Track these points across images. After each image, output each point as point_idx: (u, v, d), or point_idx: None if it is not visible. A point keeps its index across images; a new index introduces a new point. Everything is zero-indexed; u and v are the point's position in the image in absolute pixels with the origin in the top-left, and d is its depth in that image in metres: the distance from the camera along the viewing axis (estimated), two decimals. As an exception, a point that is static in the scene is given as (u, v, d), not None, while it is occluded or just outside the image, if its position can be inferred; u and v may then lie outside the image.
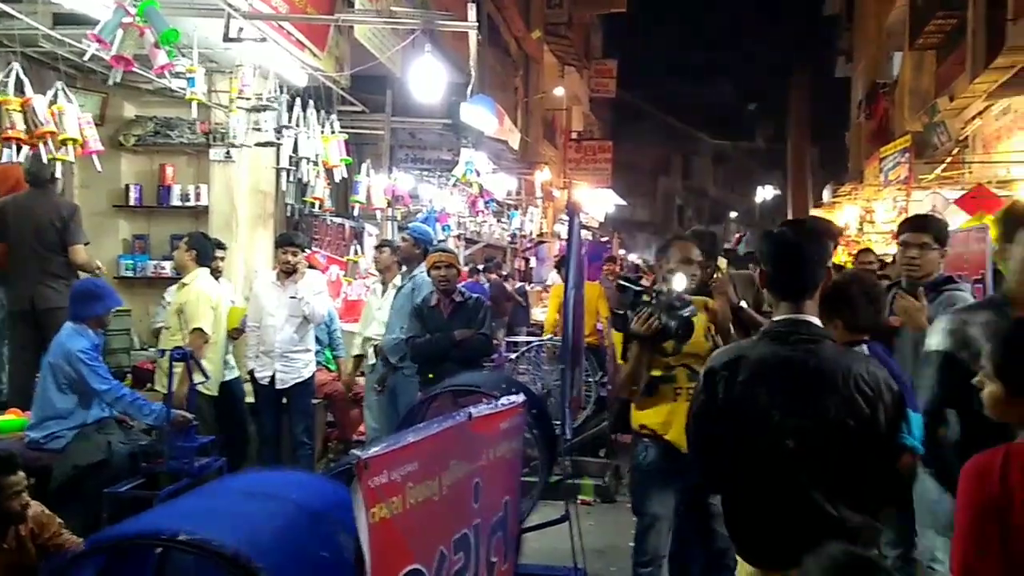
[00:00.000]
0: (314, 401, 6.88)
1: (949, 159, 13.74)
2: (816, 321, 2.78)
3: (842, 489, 2.63)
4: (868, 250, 8.05)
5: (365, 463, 1.65)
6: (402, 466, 1.77)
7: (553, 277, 15.57)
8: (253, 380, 6.60)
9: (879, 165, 15.62)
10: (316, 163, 7.64)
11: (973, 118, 13.53)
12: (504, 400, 2.40)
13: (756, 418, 2.66)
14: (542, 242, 20.55)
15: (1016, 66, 10.22)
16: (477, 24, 7.63)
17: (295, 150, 7.51)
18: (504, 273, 15.07)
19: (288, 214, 8.42)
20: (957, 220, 9.54)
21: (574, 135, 27.50)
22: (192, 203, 7.90)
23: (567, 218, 5.43)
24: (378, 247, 7.70)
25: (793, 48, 42.82)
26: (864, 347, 3.25)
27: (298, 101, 7.67)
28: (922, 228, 4.15)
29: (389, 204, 9.32)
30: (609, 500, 7.21)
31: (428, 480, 1.88)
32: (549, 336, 8.42)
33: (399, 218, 10.02)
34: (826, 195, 25.94)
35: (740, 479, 2.74)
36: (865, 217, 16.96)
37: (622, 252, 27.06)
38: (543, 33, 23.19)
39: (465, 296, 6.11)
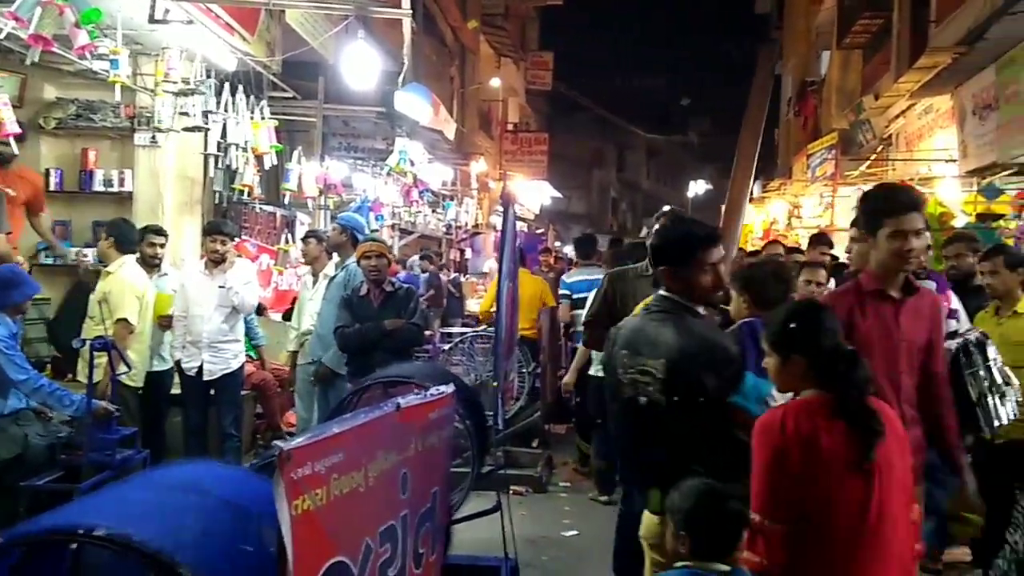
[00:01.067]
0: (243, 392, 6.76)
1: (874, 156, 14.12)
2: (676, 297, 3.17)
3: (688, 443, 2.97)
4: (776, 242, 8.34)
5: (287, 455, 1.61)
6: (326, 457, 1.74)
7: (492, 266, 15.57)
8: (180, 371, 6.45)
9: (807, 161, 15.98)
10: (245, 149, 7.49)
11: (897, 116, 13.92)
12: (433, 390, 2.38)
13: (621, 376, 3.11)
14: (477, 233, 20.52)
15: (938, 66, 10.53)
16: (411, 12, 7.57)
17: (223, 136, 7.35)
18: (440, 264, 15.03)
19: (217, 201, 8.24)
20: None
21: (510, 126, 27.47)
22: (116, 189, 7.66)
23: (502, 209, 5.43)
24: (304, 238, 7.59)
25: (725, 45, 43.54)
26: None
27: (227, 86, 7.51)
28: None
29: (321, 193, 9.19)
30: (542, 490, 7.26)
31: (354, 471, 1.85)
32: (484, 327, 8.41)
33: (331, 207, 9.88)
34: (756, 190, 26.45)
35: (618, 430, 3.20)
36: (793, 212, 17.35)
37: (557, 244, 27.20)
38: (479, 24, 23.11)
39: (396, 286, 6.06)
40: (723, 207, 6.26)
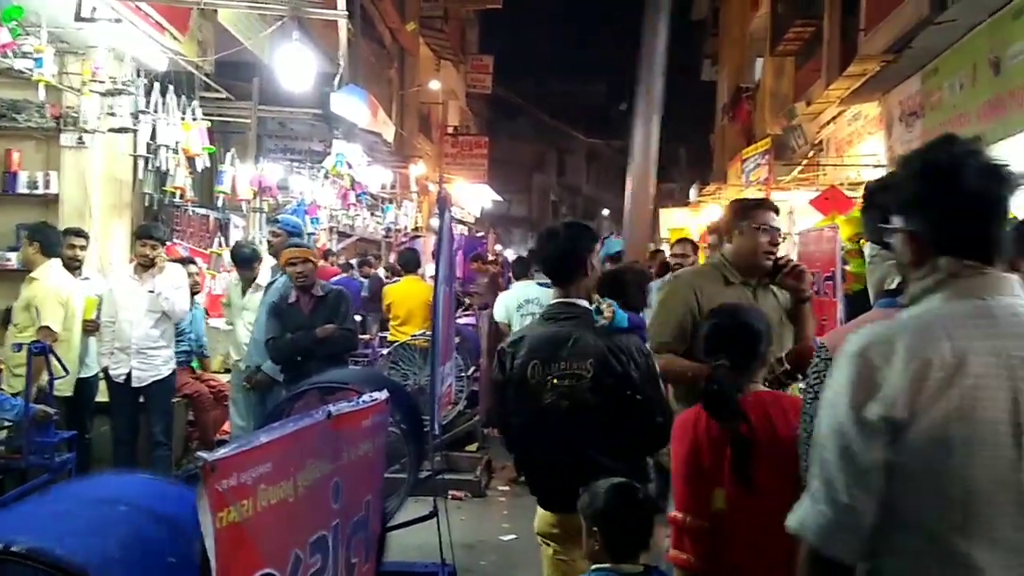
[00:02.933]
0: (174, 400, 6.60)
1: (805, 161, 14.43)
2: (581, 302, 3.29)
3: (606, 441, 3.14)
4: (685, 240, 8.47)
5: (212, 465, 1.57)
6: (253, 468, 1.70)
7: (432, 269, 15.48)
8: (107, 378, 6.27)
9: (741, 166, 16.25)
10: (176, 151, 7.32)
11: (828, 123, 14.26)
12: (367, 397, 2.35)
13: (535, 385, 3.19)
14: (417, 236, 20.41)
15: (867, 74, 10.82)
16: (348, 13, 7.49)
17: (153, 137, 7.18)
18: (383, 268, 14.91)
19: (147, 204, 8.04)
20: (813, 220, 10.04)
21: (450, 130, 27.44)
22: (41, 191, 7.41)
23: (436, 207, 5.39)
24: (235, 252, 7.45)
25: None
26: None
27: (157, 86, 7.33)
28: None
29: (256, 195, 9.03)
30: (480, 495, 7.24)
31: (282, 481, 1.82)
32: (423, 331, 8.34)
33: (267, 210, 9.73)
34: (692, 194, 26.83)
35: (527, 439, 3.31)
36: (728, 216, 17.58)
37: (498, 247, 27.22)
38: (418, 26, 23.02)
39: (325, 290, 5.95)
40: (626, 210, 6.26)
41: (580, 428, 3.13)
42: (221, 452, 1.62)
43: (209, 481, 1.57)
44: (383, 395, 2.43)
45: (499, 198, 31.13)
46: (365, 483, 2.35)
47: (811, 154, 14.65)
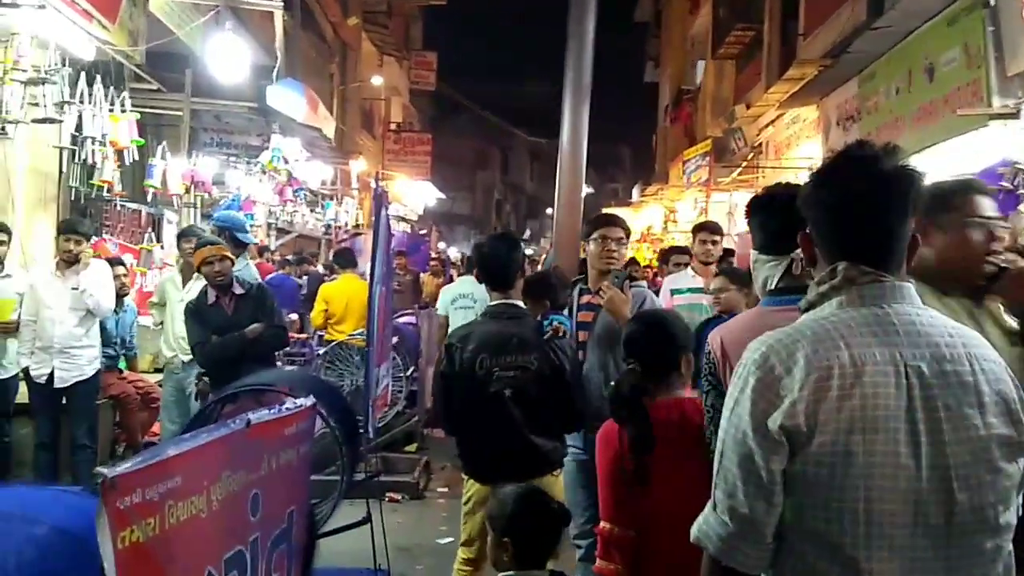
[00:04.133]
0: (99, 401, 6.35)
1: (745, 164, 14.60)
2: (520, 303, 3.89)
3: (540, 424, 3.70)
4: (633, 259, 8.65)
5: (111, 482, 1.45)
6: (160, 483, 1.58)
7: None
8: (28, 379, 6.00)
9: (683, 167, 16.40)
10: (104, 144, 7.06)
11: (767, 125, 14.44)
12: (290, 404, 2.23)
13: (482, 376, 3.68)
14: (358, 234, 20.17)
15: (805, 78, 10.96)
16: (283, 4, 7.31)
17: (79, 129, 6.91)
18: (322, 265, 14.68)
19: (73, 198, 7.74)
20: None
21: (393, 126, 27.18)
22: (-41, 183, 7.09)
23: (373, 203, 5.24)
24: (182, 235, 7.20)
25: (605, 51, 44.27)
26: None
27: (83, 76, 7.06)
28: (616, 224, 4.38)
29: (188, 190, 8.76)
30: (418, 496, 7.12)
31: (194, 496, 1.70)
32: (361, 331, 8.20)
33: (200, 205, 9.47)
34: (635, 194, 27.03)
35: (471, 422, 3.77)
36: (669, 216, 17.78)
37: (442, 245, 27.07)
38: (361, 21, 22.73)
39: (245, 287, 5.66)
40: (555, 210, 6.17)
41: (520, 413, 3.68)
42: (123, 467, 1.50)
43: (109, 499, 1.45)
44: (308, 401, 2.32)
45: (442, 195, 30.96)
46: (288, 493, 2.24)
47: (750, 156, 14.83)
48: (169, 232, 9.48)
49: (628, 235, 4.41)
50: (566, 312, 4.32)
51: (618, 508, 2.65)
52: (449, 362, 3.80)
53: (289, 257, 13.79)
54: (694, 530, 1.73)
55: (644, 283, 5.03)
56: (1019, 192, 5.83)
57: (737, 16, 16.37)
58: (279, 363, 6.58)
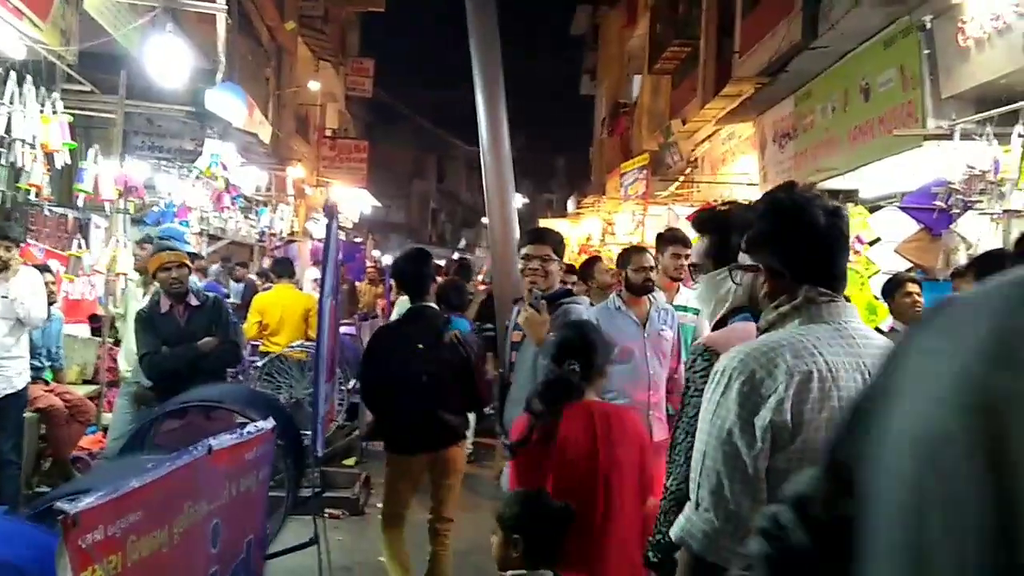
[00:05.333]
0: (25, 415, 6.07)
1: (682, 178, 14.80)
2: (433, 305, 4.87)
3: (449, 403, 4.58)
4: (597, 257, 8.57)
5: (73, 519, 1.36)
6: (122, 518, 1.49)
7: (310, 275, 15.04)
8: (-50, 392, 5.70)
9: (620, 180, 16.54)
10: (33, 146, 6.77)
11: (703, 141, 14.68)
12: (252, 427, 2.15)
13: (404, 366, 4.53)
14: (292, 241, 19.84)
15: (741, 95, 11.17)
16: (227, 7, 7.13)
17: (8, 130, 6.61)
18: (255, 273, 14.37)
19: (0, 202, 7.41)
20: (689, 236, 10.24)
21: (329, 132, 26.83)
22: None
23: (325, 219, 5.17)
24: (142, 243, 6.95)
25: (542, 64, 44.63)
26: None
27: (12, 75, 6.77)
28: (537, 240, 4.34)
29: (120, 195, 8.47)
30: (359, 512, 6.98)
31: (156, 531, 1.61)
32: (299, 343, 8.03)
33: (132, 211, 9.16)
34: (571, 205, 27.19)
35: (391, 404, 4.58)
36: (607, 229, 17.90)
37: (376, 253, 26.80)
38: (298, 25, 22.41)
39: (202, 298, 5.46)
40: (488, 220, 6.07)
41: (434, 394, 4.49)
42: (85, 502, 1.41)
43: (70, 537, 1.36)
44: (269, 424, 2.23)
45: (378, 203, 30.67)
46: (247, 520, 2.15)
47: (687, 171, 15.04)
48: (96, 238, 9.15)
49: (559, 249, 4.38)
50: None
51: (524, 472, 3.07)
52: (369, 351, 4.59)
53: (214, 265, 13.47)
54: (675, 531, 1.83)
55: (584, 299, 4.87)
56: (953, 212, 6.01)
57: (674, 32, 16.63)
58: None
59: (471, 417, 5.78)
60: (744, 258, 2.04)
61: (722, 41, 13.30)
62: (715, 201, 11.76)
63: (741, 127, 12.54)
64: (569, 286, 5.46)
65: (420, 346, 4.58)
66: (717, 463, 1.74)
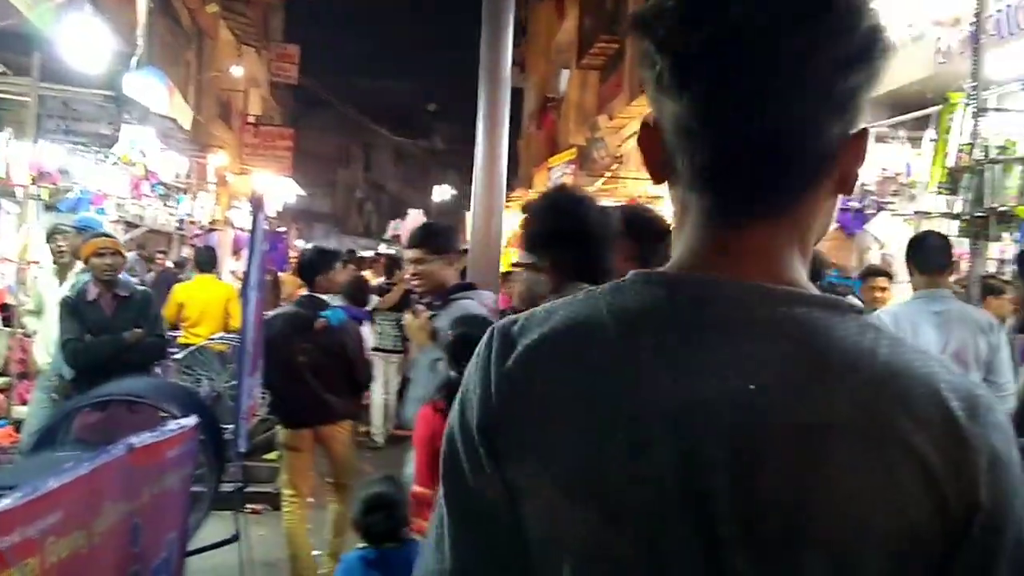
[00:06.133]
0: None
1: (608, 173, 14.98)
2: (322, 296, 5.33)
3: (331, 385, 5.12)
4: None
5: (-11, 522, 1.32)
6: (40, 519, 1.45)
7: (230, 265, 14.73)
8: None
9: (548, 174, 16.66)
10: (-61, 128, 6.48)
11: (629, 137, 14.87)
12: (174, 424, 2.11)
13: (287, 349, 5.00)
14: (213, 230, 19.40)
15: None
16: (148, -11, 6.92)
17: (-89, 111, 6.32)
18: (172, 262, 14.00)
19: (-98, 186, 7.09)
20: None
21: (252, 119, 26.30)
22: None
23: (250, 209, 5.13)
24: (54, 233, 6.68)
25: (470, 54, 44.55)
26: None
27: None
28: (412, 244, 4.09)
29: (33, 180, 8.16)
30: (280, 508, 6.88)
31: (75, 531, 1.57)
32: (220, 334, 7.87)
33: (46, 197, 8.84)
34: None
35: (281, 384, 5.10)
36: (534, 221, 17.98)
37: (300, 243, 26.40)
38: (219, 8, 21.89)
39: (130, 290, 5.33)
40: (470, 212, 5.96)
41: (318, 379, 5.02)
42: (2, 504, 1.37)
43: (-15, 540, 1.32)
44: (192, 420, 2.20)
45: (303, 192, 30.22)
46: (169, 520, 2.11)
47: (613, 166, 15.22)
48: (5, 224, 8.81)
49: (443, 245, 4.05)
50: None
51: (430, 473, 3.05)
52: (268, 337, 4.82)
53: (131, 253, 13.09)
54: None
55: (486, 293, 4.64)
56: (867, 212, 6.24)
57: (602, 27, 16.79)
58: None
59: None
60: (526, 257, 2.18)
61: (649, 39, 13.48)
62: (640, 197, 11.93)
63: (667, 124, 12.73)
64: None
65: (301, 332, 5.11)
66: None
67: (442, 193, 45.44)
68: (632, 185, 13.67)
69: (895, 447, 0.76)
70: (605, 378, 0.81)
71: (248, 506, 6.31)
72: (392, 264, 10.93)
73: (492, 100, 5.76)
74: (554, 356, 0.85)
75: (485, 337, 0.91)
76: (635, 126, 9.06)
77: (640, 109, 12.70)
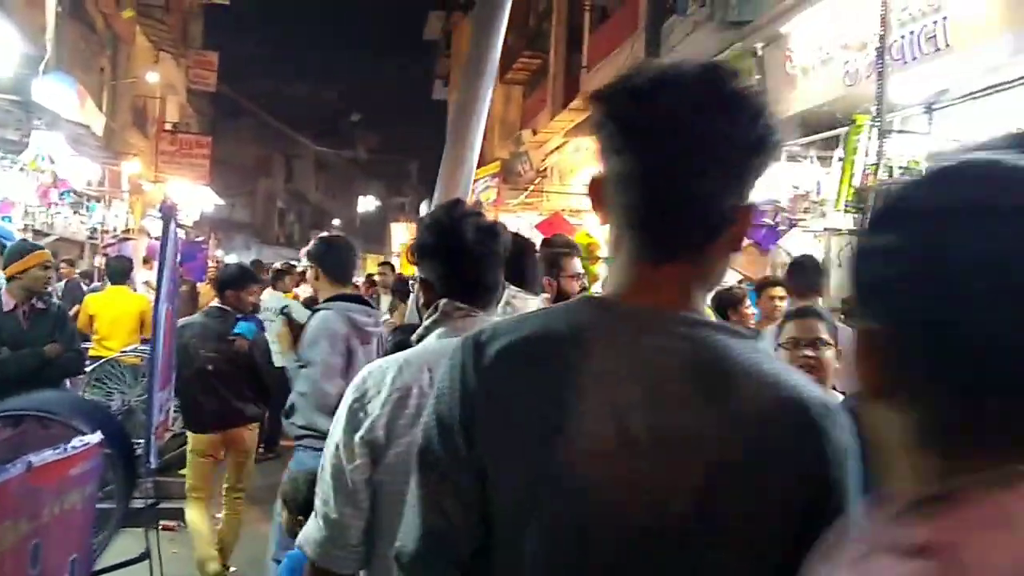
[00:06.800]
0: None
1: (532, 187, 15.09)
2: (227, 307, 5.48)
3: (242, 391, 5.40)
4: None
5: None
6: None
7: (142, 276, 14.31)
8: None
9: (473, 187, 16.69)
10: None
11: (552, 151, 15.02)
12: (77, 442, 2.04)
13: (194, 355, 5.19)
14: (127, 239, 18.84)
15: (589, 109, 11.50)
16: (57, -8, 6.72)
17: None
18: (78, 272, 13.54)
19: None
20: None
21: (168, 126, 25.66)
22: None
23: (161, 217, 5.02)
24: None
25: (395, 66, 44.44)
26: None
27: None
28: (309, 258, 4.41)
29: (-67, 187, 7.83)
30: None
31: (-32, 553, 1.51)
32: (133, 347, 7.64)
33: (-54, 204, 8.49)
34: (423, 209, 27.10)
35: (188, 389, 5.25)
36: (458, 234, 17.98)
37: (219, 253, 25.85)
38: (136, 14, 21.35)
39: (48, 303, 5.14)
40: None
41: (219, 382, 5.23)
42: None
43: None
44: (95, 437, 2.13)
45: (221, 201, 29.60)
46: (71, 540, 2.04)
47: (537, 180, 15.35)
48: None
49: (320, 259, 4.27)
50: None
51: None
52: (178, 345, 4.94)
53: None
54: (299, 539, 1.93)
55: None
56: (780, 228, 6.43)
57: (525, 43, 16.94)
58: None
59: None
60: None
61: (571, 55, 13.68)
62: (564, 210, 12.05)
63: (590, 140, 12.91)
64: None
65: (208, 340, 5.33)
66: (327, 475, 1.86)
67: (366, 204, 45.13)
68: (555, 199, 13.80)
69: (776, 436, 1.05)
70: (558, 377, 1.07)
71: (161, 523, 6.14)
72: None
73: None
74: (522, 359, 1.12)
75: (458, 346, 1.18)
76: (558, 140, 9.26)
77: (562, 124, 12.86)
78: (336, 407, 1.96)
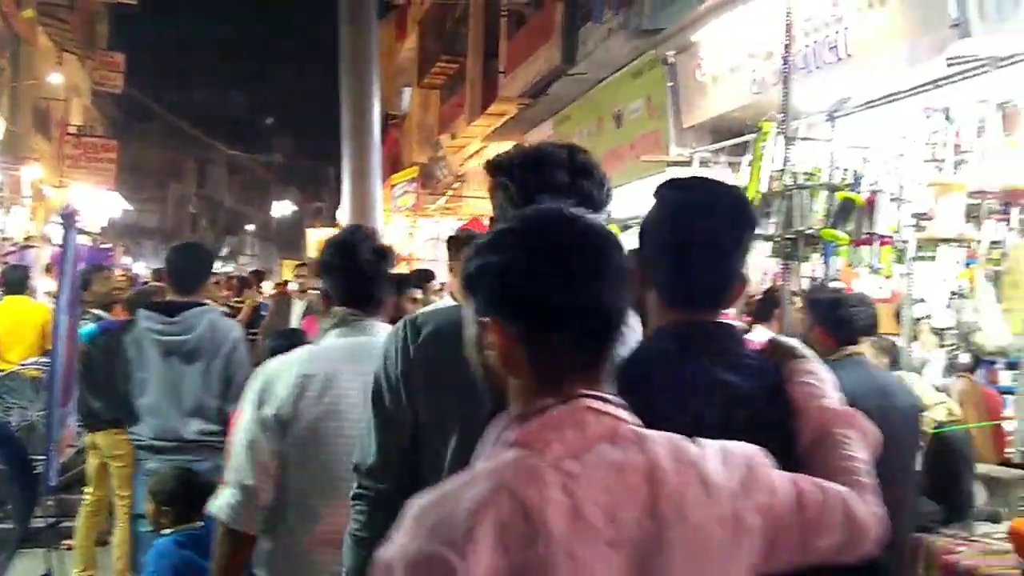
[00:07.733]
0: None
1: (451, 192, 15.07)
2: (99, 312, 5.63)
3: (96, 390, 4.92)
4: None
5: None
6: None
7: (44, 285, 13.76)
8: None
9: (390, 192, 16.57)
10: None
11: (471, 156, 15.02)
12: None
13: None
14: (29, 247, 18.09)
15: (506, 115, 11.56)
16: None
17: None
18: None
19: None
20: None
21: (73, 129, 24.74)
22: None
23: (61, 223, 4.83)
24: None
25: (310, 68, 43.81)
26: None
27: None
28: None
29: None
30: (101, 543, 6.47)
31: None
32: (33, 360, 7.32)
33: None
34: (339, 215, 26.75)
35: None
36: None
37: (127, 260, 25.03)
38: (37, 14, 20.54)
39: None
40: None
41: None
42: None
43: None
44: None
45: (129, 207, 28.68)
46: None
47: (455, 185, 15.33)
48: None
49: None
50: None
51: None
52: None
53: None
54: (211, 508, 2.27)
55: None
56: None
57: (441, 48, 16.91)
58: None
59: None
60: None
61: (488, 60, 13.70)
62: (483, 216, 12.05)
63: (507, 145, 12.96)
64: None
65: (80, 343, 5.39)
66: (240, 446, 2.25)
67: (282, 208, 44.34)
68: (473, 203, 13.81)
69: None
70: (461, 350, 1.30)
71: (64, 542, 5.91)
72: (242, 284, 11.62)
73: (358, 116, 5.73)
74: (443, 337, 1.68)
75: (400, 324, 1.81)
76: (477, 145, 9.29)
77: (480, 129, 12.87)
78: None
